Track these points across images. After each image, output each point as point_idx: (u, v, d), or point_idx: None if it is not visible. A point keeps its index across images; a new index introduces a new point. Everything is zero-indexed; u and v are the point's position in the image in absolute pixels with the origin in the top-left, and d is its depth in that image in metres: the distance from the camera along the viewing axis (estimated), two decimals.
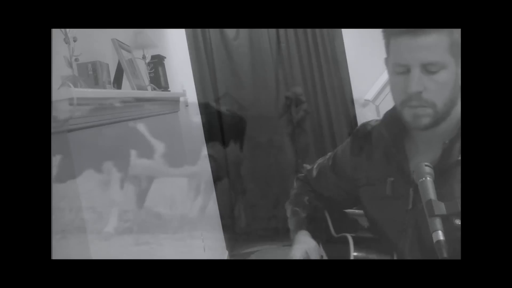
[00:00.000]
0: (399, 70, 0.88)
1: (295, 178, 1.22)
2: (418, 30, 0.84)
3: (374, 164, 1.01)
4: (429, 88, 0.86)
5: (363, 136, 1.06)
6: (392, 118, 0.98)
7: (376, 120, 1.06)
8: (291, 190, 1.21)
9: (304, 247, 1.04)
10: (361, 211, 1.10)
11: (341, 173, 1.09)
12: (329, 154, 1.15)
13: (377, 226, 1.02)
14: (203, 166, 3.02)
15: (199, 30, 3.04)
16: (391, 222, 0.96)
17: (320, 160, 1.17)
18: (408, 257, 0.93)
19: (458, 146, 0.88)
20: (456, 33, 0.84)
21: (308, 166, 1.20)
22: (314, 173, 1.16)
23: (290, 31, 3.09)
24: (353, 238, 1.00)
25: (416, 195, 0.90)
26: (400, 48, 0.87)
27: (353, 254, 0.97)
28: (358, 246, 0.99)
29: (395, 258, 0.95)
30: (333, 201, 1.12)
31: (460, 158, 0.87)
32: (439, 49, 0.85)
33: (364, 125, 1.08)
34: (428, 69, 0.85)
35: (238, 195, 3.17)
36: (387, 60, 0.94)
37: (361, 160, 1.04)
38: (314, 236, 1.07)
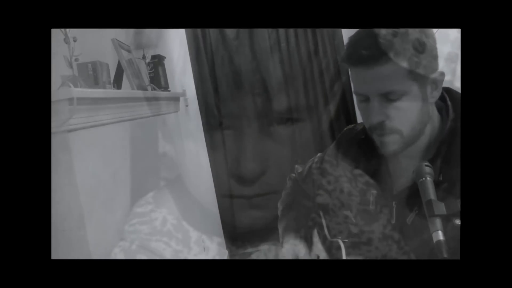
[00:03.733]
0: (359, 98, 0.87)
1: (288, 178, 1.20)
2: (370, 61, 0.81)
3: (358, 172, 0.98)
4: (392, 116, 0.83)
5: (347, 142, 1.03)
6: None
7: (362, 123, 1.02)
8: (284, 189, 1.19)
9: (293, 248, 1.03)
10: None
11: (329, 177, 1.06)
12: (319, 155, 1.12)
13: (365, 234, 0.99)
14: (203, 166, 3.01)
15: (199, 30, 3.03)
16: (376, 232, 0.95)
17: (309, 163, 1.14)
18: None
19: (437, 165, 0.85)
20: (422, 58, 0.81)
21: (299, 168, 1.17)
22: (304, 175, 1.14)
23: (290, 31, 3.09)
24: (345, 244, 0.99)
25: (399, 209, 0.90)
26: (357, 78, 0.86)
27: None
28: (350, 252, 0.97)
29: None
30: (325, 204, 1.09)
31: (441, 178, 0.84)
32: (396, 77, 0.82)
33: (350, 129, 1.05)
34: (388, 97, 0.83)
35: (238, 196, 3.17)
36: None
37: (346, 167, 1.01)
38: (304, 238, 1.05)
